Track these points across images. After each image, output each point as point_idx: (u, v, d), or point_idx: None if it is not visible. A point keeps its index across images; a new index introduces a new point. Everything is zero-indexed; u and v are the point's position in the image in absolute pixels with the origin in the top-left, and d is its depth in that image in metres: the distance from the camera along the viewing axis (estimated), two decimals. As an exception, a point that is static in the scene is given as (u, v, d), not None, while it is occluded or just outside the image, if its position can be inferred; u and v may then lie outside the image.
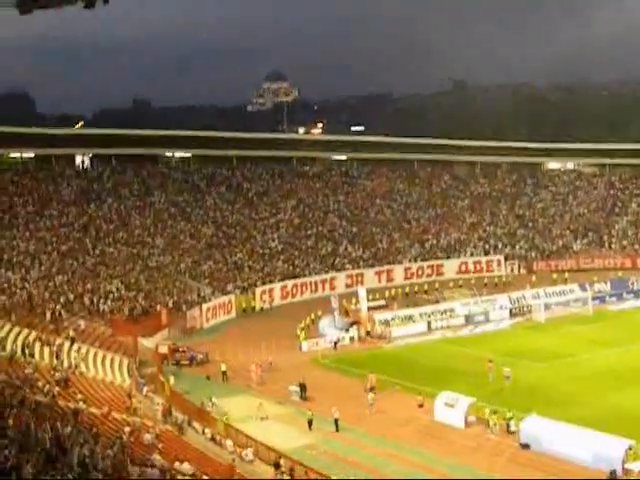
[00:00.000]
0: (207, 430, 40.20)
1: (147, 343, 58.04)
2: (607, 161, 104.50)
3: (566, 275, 79.12)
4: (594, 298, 69.01)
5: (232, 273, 76.26)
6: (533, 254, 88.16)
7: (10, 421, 27.15)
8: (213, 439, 39.13)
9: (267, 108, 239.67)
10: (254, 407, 44.23)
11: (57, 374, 43.14)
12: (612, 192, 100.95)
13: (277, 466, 34.64)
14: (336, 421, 41.56)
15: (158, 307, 64.79)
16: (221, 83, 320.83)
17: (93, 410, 37.11)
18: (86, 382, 44.75)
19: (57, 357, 47.98)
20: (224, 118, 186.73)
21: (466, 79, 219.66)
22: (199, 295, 69.52)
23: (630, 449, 35.25)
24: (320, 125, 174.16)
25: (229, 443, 37.97)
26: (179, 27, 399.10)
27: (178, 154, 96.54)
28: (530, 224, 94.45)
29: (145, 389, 47.40)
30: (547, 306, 66.81)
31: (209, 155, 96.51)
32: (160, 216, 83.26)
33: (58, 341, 50.96)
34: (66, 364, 47.21)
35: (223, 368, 51.55)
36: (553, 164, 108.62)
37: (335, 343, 59.43)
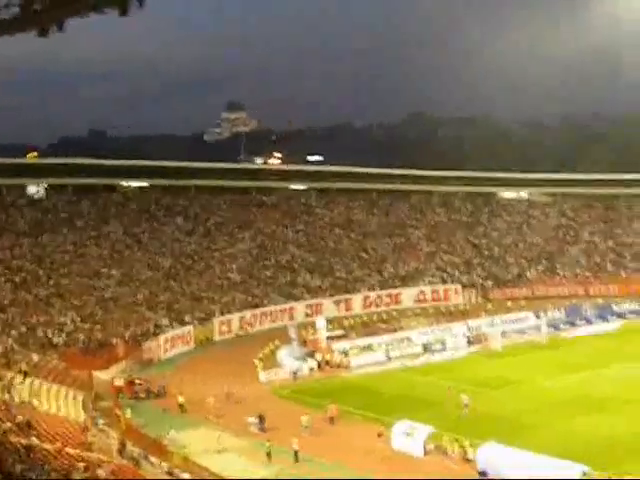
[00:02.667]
0: (164, 464, 39.73)
1: (103, 376, 57.32)
2: (559, 190, 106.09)
3: (522, 303, 79.95)
4: (548, 325, 69.79)
5: (190, 304, 75.83)
6: (489, 282, 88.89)
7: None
8: (170, 473, 38.68)
9: (225, 138, 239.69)
10: (212, 439, 43.89)
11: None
12: (564, 221, 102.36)
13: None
14: (296, 452, 41.37)
15: (114, 339, 64.17)
16: (179, 113, 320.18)
17: (46, 446, 36.52)
18: (39, 417, 44.05)
19: (8, 392, 47.22)
20: (182, 148, 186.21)
21: (424, 110, 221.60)
22: (156, 326, 69.01)
23: (585, 474, 35.53)
24: (278, 155, 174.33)
25: (186, 477, 37.56)
26: (136, 57, 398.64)
27: (135, 184, 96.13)
28: (486, 253, 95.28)
29: (100, 423, 46.81)
30: (503, 334, 67.38)
31: (167, 185, 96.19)
32: (116, 247, 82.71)
33: (10, 375, 50.18)
34: (17, 399, 46.43)
35: (181, 400, 51.09)
36: (508, 193, 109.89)
37: (294, 373, 59.28)
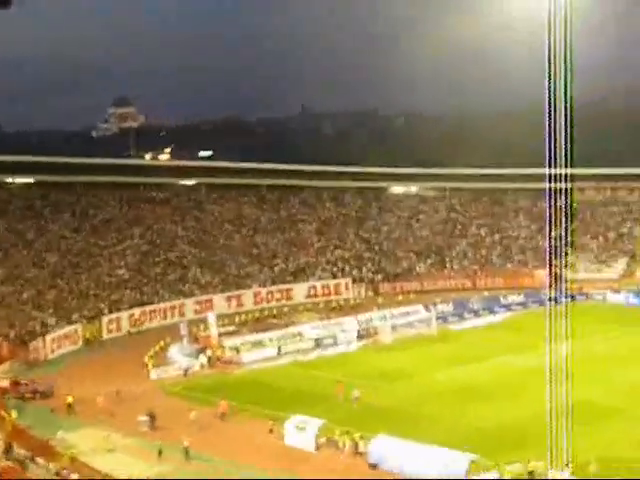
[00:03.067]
0: (52, 465, 38.98)
1: (-13, 377, 55.88)
2: (448, 185, 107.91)
3: (411, 296, 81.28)
4: (437, 318, 71.04)
5: (78, 302, 74.42)
6: (379, 276, 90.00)
7: None
8: (58, 474, 37.97)
9: (113, 133, 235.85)
10: (102, 439, 43.29)
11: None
12: (452, 215, 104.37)
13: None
14: (186, 449, 41.16)
15: (-1, 339, 62.61)
16: (65, 108, 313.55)
17: None
18: None
19: None
20: (69, 143, 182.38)
21: (313, 105, 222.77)
22: (43, 325, 67.52)
23: (473, 462, 36.48)
24: (168, 150, 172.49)
25: (75, 477, 36.94)
26: (21, 50, 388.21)
27: (20, 180, 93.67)
28: (376, 247, 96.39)
29: (-15, 425, 45.61)
30: (393, 327, 68.33)
31: (53, 181, 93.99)
32: (0, 244, 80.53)
33: None
34: None
35: (69, 400, 50.12)
36: (397, 188, 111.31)
37: (185, 370, 58.90)
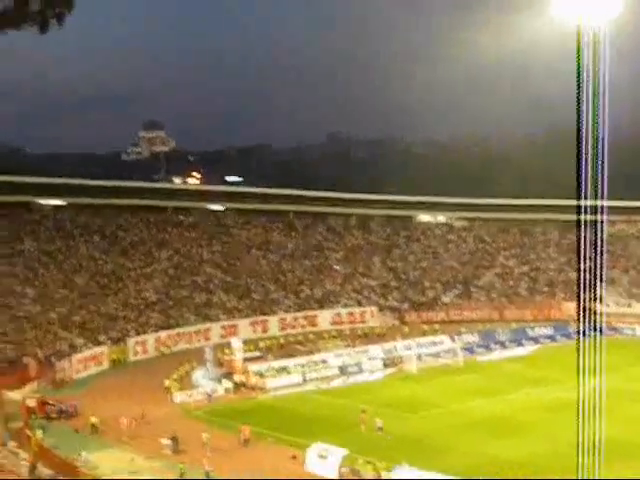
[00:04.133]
0: (75, 485, 39.15)
1: (14, 396, 56.10)
2: (476, 215, 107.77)
3: (436, 327, 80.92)
4: (463, 349, 70.67)
5: (105, 323, 74.85)
6: (405, 305, 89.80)
7: None
8: (81, 495, 38.11)
9: (143, 157, 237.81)
10: (125, 461, 43.38)
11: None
12: (480, 245, 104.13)
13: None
14: (207, 473, 41.11)
15: (26, 358, 62.91)
16: (96, 131, 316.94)
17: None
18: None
19: None
20: (99, 166, 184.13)
21: (342, 131, 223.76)
22: (70, 346, 67.91)
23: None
24: (197, 175, 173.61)
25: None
26: (51, 73, 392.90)
27: (51, 202, 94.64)
28: (402, 276, 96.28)
29: (11, 444, 45.81)
30: (419, 357, 68.06)
31: (83, 203, 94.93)
32: (31, 265, 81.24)
33: None
34: None
35: (93, 420, 50.36)
36: (425, 217, 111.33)
37: (209, 395, 58.90)
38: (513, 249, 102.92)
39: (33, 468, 40.66)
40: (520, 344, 75.70)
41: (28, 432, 48.14)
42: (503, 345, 75.00)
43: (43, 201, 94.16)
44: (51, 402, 55.46)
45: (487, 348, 74.03)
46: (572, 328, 71.08)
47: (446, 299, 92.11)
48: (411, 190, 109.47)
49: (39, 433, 47.60)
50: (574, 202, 29.56)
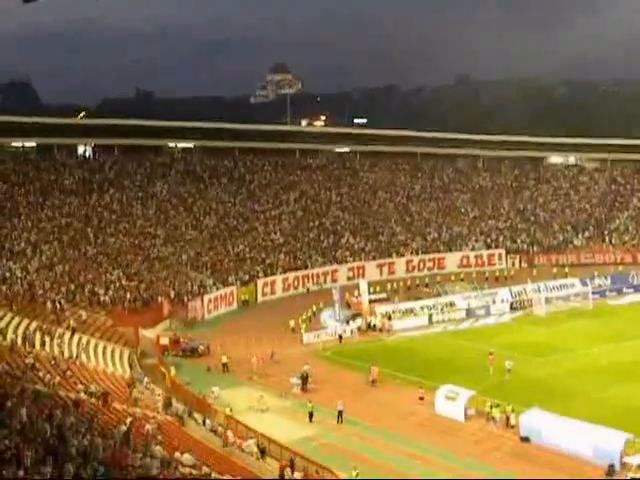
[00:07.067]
0: (208, 421, 40.25)
1: (148, 334, 57.94)
2: (609, 156, 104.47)
3: (566, 269, 79.23)
4: (594, 292, 69.02)
5: (234, 265, 76.15)
6: (534, 248, 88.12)
7: (11, 411, 27.19)
8: (214, 430, 39.16)
9: (270, 100, 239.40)
10: (255, 399, 44.35)
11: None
12: (613, 187, 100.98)
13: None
14: (340, 413, 41.59)
15: (159, 298, 64.78)
16: (224, 75, 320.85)
17: (94, 401, 37.13)
18: (87, 372, 44.76)
19: (58, 347, 47.94)
20: (227, 110, 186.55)
21: (470, 73, 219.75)
22: (201, 286, 69.51)
23: (629, 442, 35.37)
24: (323, 117, 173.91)
25: (230, 434, 37.96)
26: (181, 19, 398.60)
27: (181, 145, 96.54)
28: (532, 218, 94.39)
29: (145, 380, 47.44)
30: (548, 300, 66.86)
31: (212, 146, 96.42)
32: (162, 207, 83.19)
33: (59, 331, 50.96)
34: (67, 354, 47.14)
35: (224, 360, 51.55)
36: (555, 159, 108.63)
37: (340, 336, 59.34)
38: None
39: (168, 403, 41.96)
40: (655, 288, 73.36)
41: (162, 369, 49.75)
42: (636, 289, 72.84)
43: (173, 144, 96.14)
44: (183, 340, 57.10)
45: (619, 292, 72.09)
46: None
47: (577, 242, 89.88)
48: (542, 131, 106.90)
49: (172, 370, 49.11)
50: None
